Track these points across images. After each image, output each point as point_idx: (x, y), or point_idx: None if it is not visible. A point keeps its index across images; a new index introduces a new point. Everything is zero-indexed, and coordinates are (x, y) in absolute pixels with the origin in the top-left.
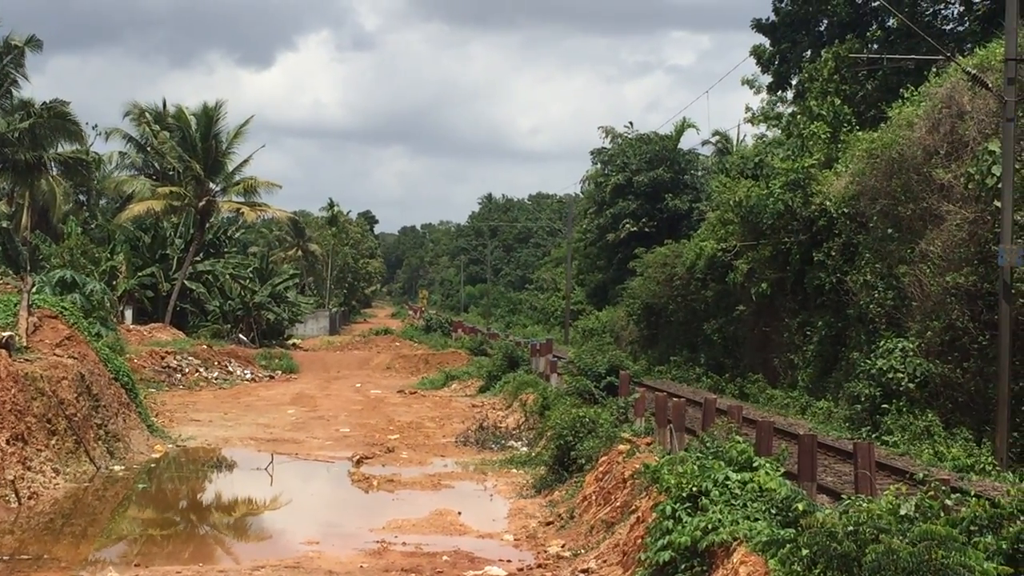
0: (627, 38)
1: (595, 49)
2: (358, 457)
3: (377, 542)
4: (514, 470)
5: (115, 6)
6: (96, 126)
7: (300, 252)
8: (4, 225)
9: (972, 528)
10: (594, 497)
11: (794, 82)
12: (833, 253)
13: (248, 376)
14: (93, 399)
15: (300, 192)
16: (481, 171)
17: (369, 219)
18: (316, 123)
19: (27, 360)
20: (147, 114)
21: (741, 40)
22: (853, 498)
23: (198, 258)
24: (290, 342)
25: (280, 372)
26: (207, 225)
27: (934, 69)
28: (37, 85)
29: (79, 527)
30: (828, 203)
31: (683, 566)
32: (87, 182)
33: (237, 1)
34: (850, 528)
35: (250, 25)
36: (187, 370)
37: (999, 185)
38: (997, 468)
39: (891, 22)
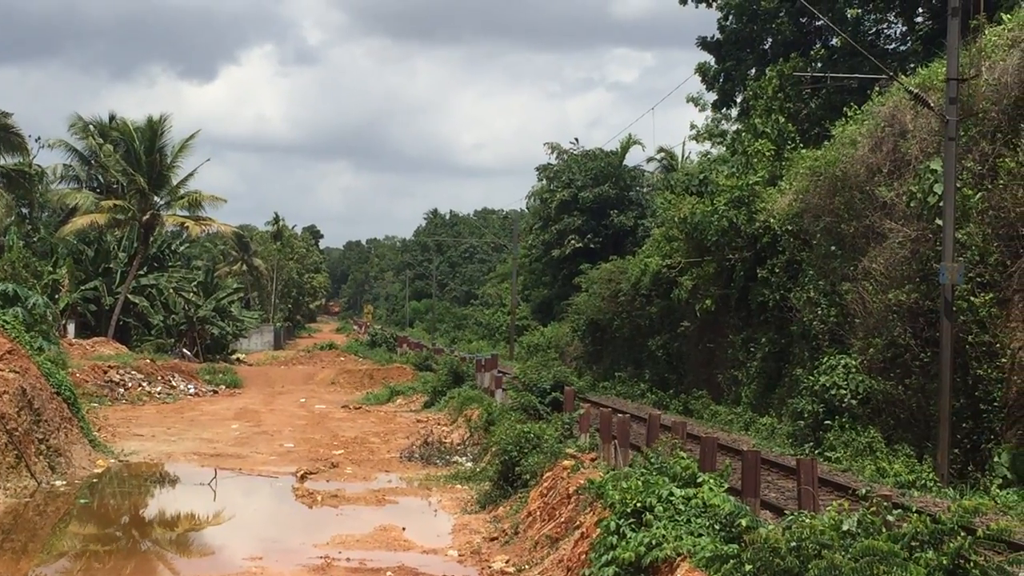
0: (570, 54)
1: (538, 65)
2: (302, 472)
3: (321, 558)
4: (459, 485)
5: (56, 18)
6: (39, 138)
7: (245, 267)
8: None
9: (913, 544)
10: (538, 513)
11: (739, 100)
12: (777, 270)
13: (192, 391)
14: (35, 413)
15: (244, 206)
16: (425, 186)
17: (314, 234)
18: (260, 137)
19: None
20: (91, 127)
21: (684, 58)
22: (796, 514)
23: (142, 272)
24: (234, 357)
25: (224, 387)
26: (151, 239)
27: (877, 88)
28: None
29: (19, 543)
30: (772, 220)
31: None
32: (30, 195)
33: (179, 14)
34: (793, 544)
35: (192, 38)
36: (130, 384)
37: (941, 203)
38: (938, 484)
39: (834, 41)
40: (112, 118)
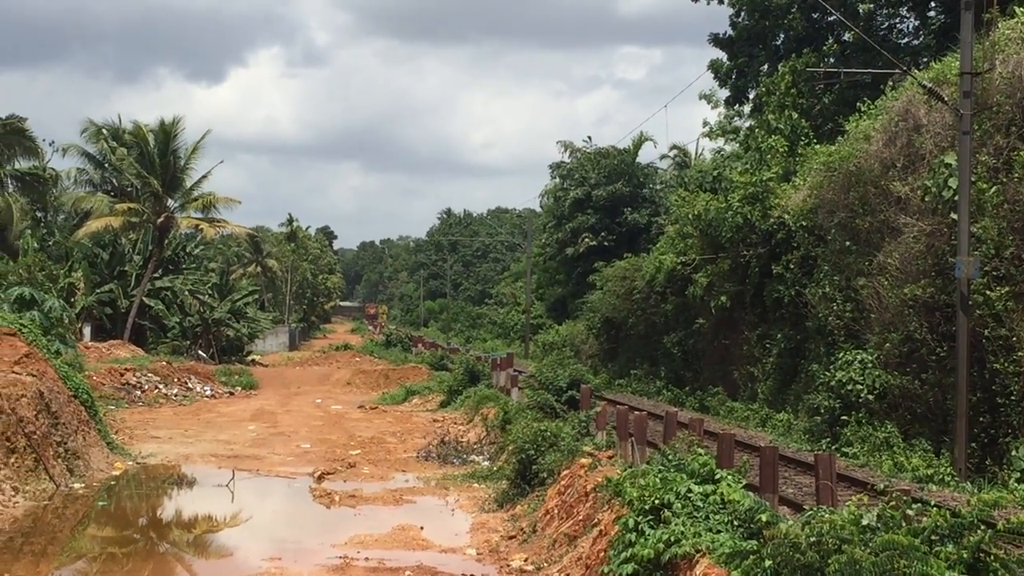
0: (577, 53)
1: (545, 64)
2: (319, 473)
3: (339, 558)
4: (476, 484)
5: (61, 21)
6: (53, 142)
7: (259, 268)
8: None
9: (933, 538)
10: (556, 511)
11: (752, 96)
12: (792, 266)
13: (208, 392)
14: (52, 417)
15: (255, 208)
16: (436, 186)
17: (328, 234)
18: (269, 139)
19: None
20: (103, 131)
21: (692, 55)
22: (815, 509)
23: (157, 274)
24: (249, 358)
25: (240, 388)
26: (166, 241)
27: (890, 83)
28: None
29: (39, 545)
30: (786, 216)
31: None
32: (44, 198)
33: (185, 16)
34: (813, 539)
35: (199, 40)
36: (146, 387)
37: (956, 197)
38: (956, 479)
39: (847, 36)
40: (120, 120)
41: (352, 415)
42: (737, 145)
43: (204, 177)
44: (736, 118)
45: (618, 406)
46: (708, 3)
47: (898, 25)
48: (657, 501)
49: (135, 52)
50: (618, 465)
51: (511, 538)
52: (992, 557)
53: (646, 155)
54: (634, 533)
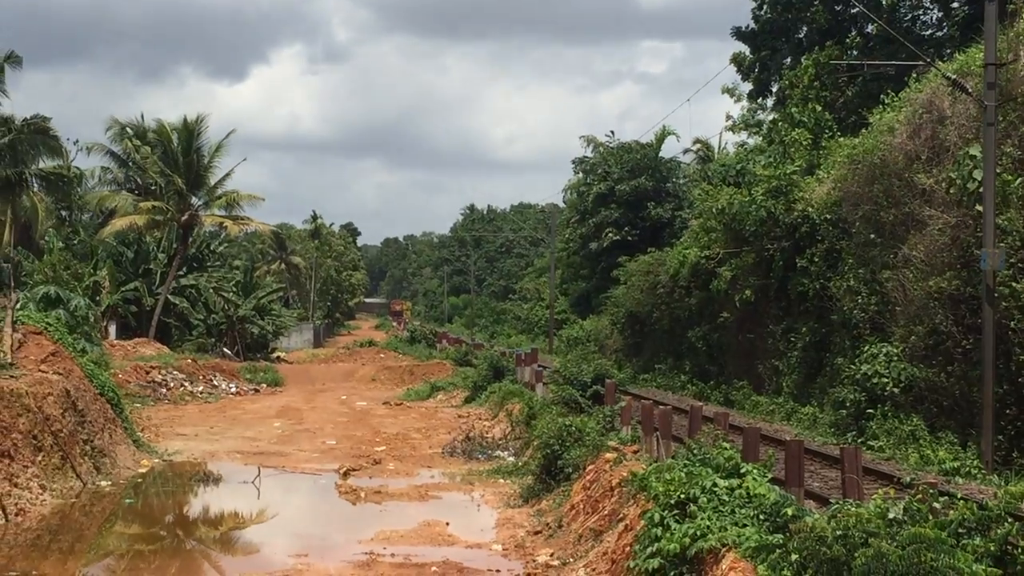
0: (599, 47)
1: (567, 58)
2: (345, 469)
3: (366, 554)
4: (501, 480)
5: (85, 21)
6: (77, 141)
7: (283, 265)
8: None
9: (960, 531)
10: (582, 506)
11: (775, 89)
12: (816, 259)
13: (233, 390)
14: (79, 415)
15: (279, 205)
16: (459, 182)
17: (351, 231)
18: (292, 136)
19: (12, 377)
20: (128, 129)
21: (713, 48)
22: (841, 503)
23: (181, 272)
24: (274, 355)
25: (265, 385)
26: (190, 239)
27: (914, 75)
28: (14, 101)
29: (66, 543)
30: (810, 209)
31: (672, 573)
32: (69, 198)
33: (207, 15)
34: (839, 532)
35: (221, 39)
36: (172, 384)
37: (980, 189)
38: (983, 471)
39: (870, 28)
40: (143, 119)
41: (377, 411)
42: (760, 138)
43: (228, 175)
44: (759, 111)
45: (643, 401)
46: None
47: (921, 17)
48: (683, 495)
49: (158, 51)
50: (643, 460)
51: (537, 533)
52: (1020, 550)
53: (669, 149)
54: (660, 528)
